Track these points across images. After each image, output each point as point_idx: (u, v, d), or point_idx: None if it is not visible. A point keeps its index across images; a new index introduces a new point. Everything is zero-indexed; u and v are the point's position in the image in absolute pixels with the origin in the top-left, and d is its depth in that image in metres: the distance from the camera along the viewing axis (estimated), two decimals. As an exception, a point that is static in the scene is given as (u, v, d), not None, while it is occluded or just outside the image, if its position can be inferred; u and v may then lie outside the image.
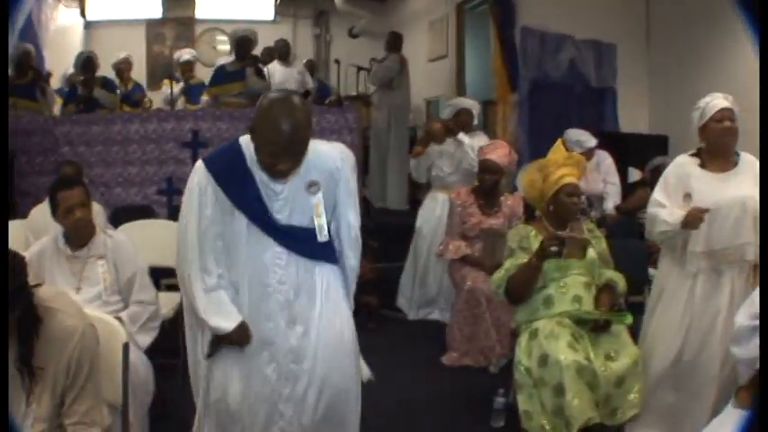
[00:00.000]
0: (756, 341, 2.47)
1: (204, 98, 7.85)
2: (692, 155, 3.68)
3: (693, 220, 3.42)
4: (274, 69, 8.53)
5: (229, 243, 2.70)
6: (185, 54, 9.33)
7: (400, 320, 6.09)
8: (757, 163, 3.57)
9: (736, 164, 3.63)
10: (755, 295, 2.62)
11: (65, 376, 2.37)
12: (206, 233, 2.67)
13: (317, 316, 2.74)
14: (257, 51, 8.75)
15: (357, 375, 2.87)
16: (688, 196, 3.56)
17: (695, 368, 3.58)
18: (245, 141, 2.70)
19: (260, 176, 2.66)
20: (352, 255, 2.90)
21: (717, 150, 3.61)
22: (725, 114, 3.55)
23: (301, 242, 2.72)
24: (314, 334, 2.73)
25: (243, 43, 7.28)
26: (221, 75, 7.36)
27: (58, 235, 3.65)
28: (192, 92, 8.50)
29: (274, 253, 2.69)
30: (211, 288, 2.67)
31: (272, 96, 2.63)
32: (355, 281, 2.96)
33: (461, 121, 6.04)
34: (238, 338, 2.67)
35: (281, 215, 2.68)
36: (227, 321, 2.65)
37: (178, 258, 2.77)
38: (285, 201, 2.68)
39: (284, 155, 2.56)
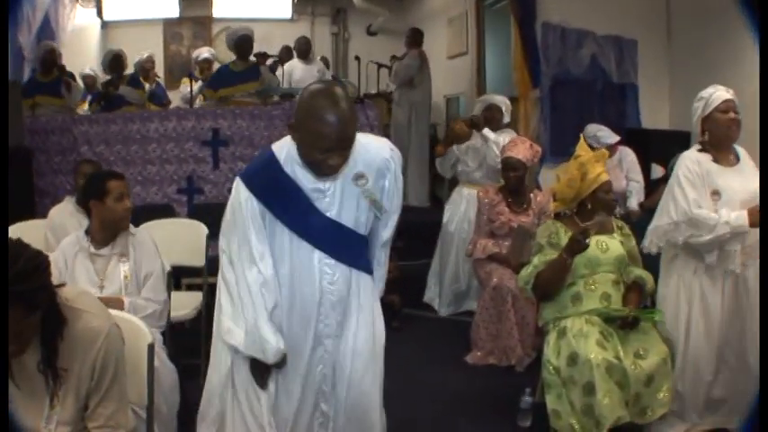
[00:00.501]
0: None
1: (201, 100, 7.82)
2: (701, 150, 3.64)
3: (757, 218, 3.37)
4: (294, 67, 8.54)
5: (276, 252, 2.63)
6: (204, 52, 9.36)
7: (425, 318, 6.04)
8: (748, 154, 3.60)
9: (737, 157, 3.64)
10: None
11: (89, 378, 2.31)
12: (258, 244, 2.59)
13: (356, 319, 2.72)
14: (275, 50, 8.78)
15: (381, 381, 2.85)
16: (716, 194, 3.51)
17: (739, 364, 3.58)
18: (278, 147, 2.64)
19: (303, 177, 2.59)
20: (387, 231, 2.84)
21: (721, 143, 3.61)
22: (729, 105, 3.55)
23: (343, 247, 2.67)
24: (351, 336, 2.71)
25: (242, 42, 7.21)
26: (228, 75, 7.26)
27: (80, 233, 3.65)
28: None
29: (321, 256, 2.63)
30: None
31: (313, 89, 2.52)
32: (383, 282, 2.92)
33: (489, 117, 5.99)
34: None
35: (331, 212, 2.62)
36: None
37: (228, 274, 2.65)
38: (333, 197, 2.61)
39: (336, 149, 2.45)
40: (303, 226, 2.62)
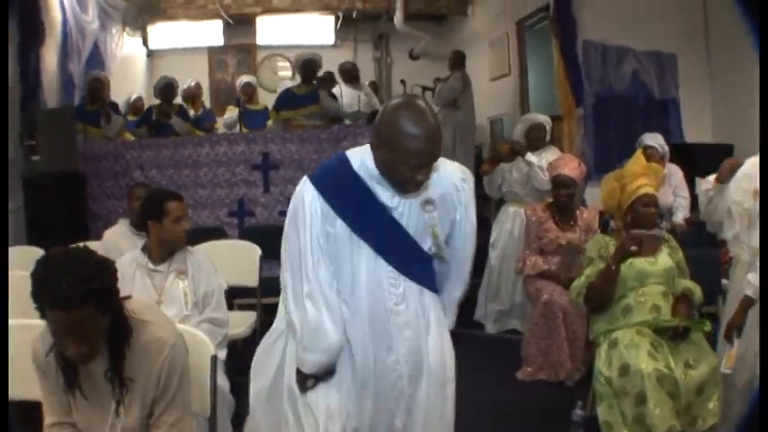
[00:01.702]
0: None
1: (270, 123, 7.97)
2: None
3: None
4: (341, 91, 8.64)
5: (341, 264, 2.54)
6: (245, 78, 9.58)
7: (473, 336, 6.05)
8: None
9: None
10: None
11: (155, 387, 2.38)
12: (321, 255, 2.50)
13: (428, 340, 2.63)
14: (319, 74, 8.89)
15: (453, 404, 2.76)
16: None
17: None
18: (353, 154, 2.56)
19: (376, 191, 2.51)
20: (458, 288, 2.78)
21: None
22: None
23: (412, 263, 2.58)
24: (425, 360, 2.62)
25: (308, 66, 7.36)
26: (291, 98, 7.39)
27: (137, 251, 3.76)
28: (247, 117, 8.58)
29: (387, 274, 2.55)
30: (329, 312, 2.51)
31: (397, 103, 2.43)
32: (456, 312, 2.84)
33: (533, 138, 6.04)
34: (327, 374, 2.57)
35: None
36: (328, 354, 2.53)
37: (291, 281, 2.56)
38: (400, 215, 2.52)
39: (426, 164, 2.39)
40: (371, 232, 2.52)
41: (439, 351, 2.66)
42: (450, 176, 2.61)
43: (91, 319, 2.19)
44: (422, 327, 2.62)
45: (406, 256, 2.57)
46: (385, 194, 2.51)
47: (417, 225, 2.55)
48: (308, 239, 2.49)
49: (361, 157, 2.52)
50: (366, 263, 2.53)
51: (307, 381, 2.55)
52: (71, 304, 2.12)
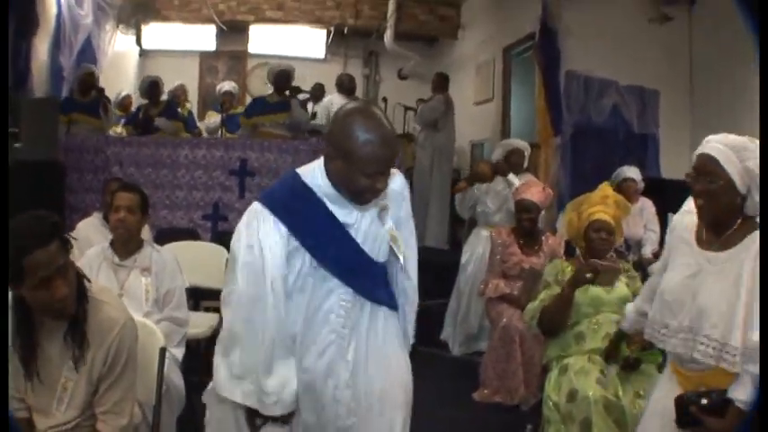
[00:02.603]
0: None
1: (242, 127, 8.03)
2: None
3: None
4: (334, 101, 8.72)
5: (298, 298, 2.36)
6: (226, 86, 9.63)
7: (437, 356, 6.12)
8: None
9: None
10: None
11: (102, 364, 2.45)
12: (281, 295, 2.29)
13: (379, 364, 2.47)
14: (307, 88, 8.95)
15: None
16: None
17: None
18: (304, 172, 2.39)
19: (332, 210, 2.34)
20: (412, 285, 2.65)
21: None
22: None
23: (371, 284, 2.44)
24: (377, 385, 2.46)
25: (281, 76, 7.42)
26: (262, 105, 7.49)
27: (105, 244, 3.81)
28: (230, 121, 8.62)
29: (338, 296, 2.37)
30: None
31: (349, 110, 2.27)
32: (414, 317, 2.71)
33: (512, 163, 6.13)
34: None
35: (364, 248, 2.39)
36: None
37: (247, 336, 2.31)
38: (356, 231, 2.37)
39: (384, 171, 2.27)
40: (335, 257, 2.35)
41: (391, 376, 2.51)
42: (394, 178, 2.47)
43: (65, 257, 2.35)
44: (370, 349, 2.45)
45: (366, 276, 2.43)
46: (341, 212, 2.36)
47: (375, 237, 2.42)
48: (268, 284, 2.27)
49: (311, 174, 2.37)
50: (326, 292, 2.37)
51: (256, 420, 2.37)
52: (45, 240, 2.27)
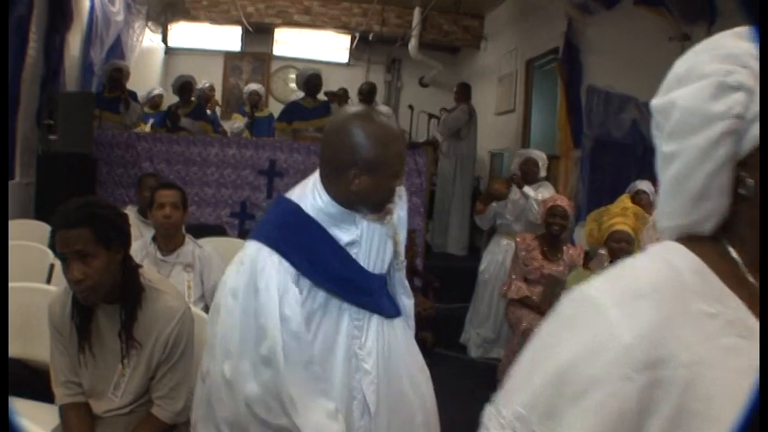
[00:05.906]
0: None
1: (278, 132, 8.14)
2: None
3: None
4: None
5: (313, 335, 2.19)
6: (253, 86, 9.75)
7: (456, 359, 6.24)
8: None
9: None
10: None
11: (161, 351, 2.52)
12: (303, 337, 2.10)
13: (403, 375, 2.36)
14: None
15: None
16: None
17: None
18: (299, 198, 2.22)
19: (334, 234, 2.20)
20: (405, 284, 2.54)
21: None
22: None
23: (380, 297, 2.35)
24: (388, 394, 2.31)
25: (312, 80, 7.46)
26: (300, 110, 7.51)
27: (148, 239, 3.92)
28: (256, 124, 8.79)
29: (351, 317, 2.24)
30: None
31: (346, 124, 2.15)
32: (413, 315, 2.59)
33: (526, 171, 6.23)
34: None
35: (368, 263, 2.26)
36: None
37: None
38: (361, 247, 2.23)
39: (400, 174, 2.20)
40: (346, 288, 2.22)
41: (407, 382, 2.39)
42: None
43: (93, 247, 2.33)
44: (385, 359, 2.30)
45: (375, 293, 2.32)
46: (343, 233, 2.20)
47: (379, 248, 2.29)
48: (278, 339, 2.05)
49: (306, 198, 2.21)
50: (344, 324, 2.24)
51: None
52: (71, 223, 2.30)
